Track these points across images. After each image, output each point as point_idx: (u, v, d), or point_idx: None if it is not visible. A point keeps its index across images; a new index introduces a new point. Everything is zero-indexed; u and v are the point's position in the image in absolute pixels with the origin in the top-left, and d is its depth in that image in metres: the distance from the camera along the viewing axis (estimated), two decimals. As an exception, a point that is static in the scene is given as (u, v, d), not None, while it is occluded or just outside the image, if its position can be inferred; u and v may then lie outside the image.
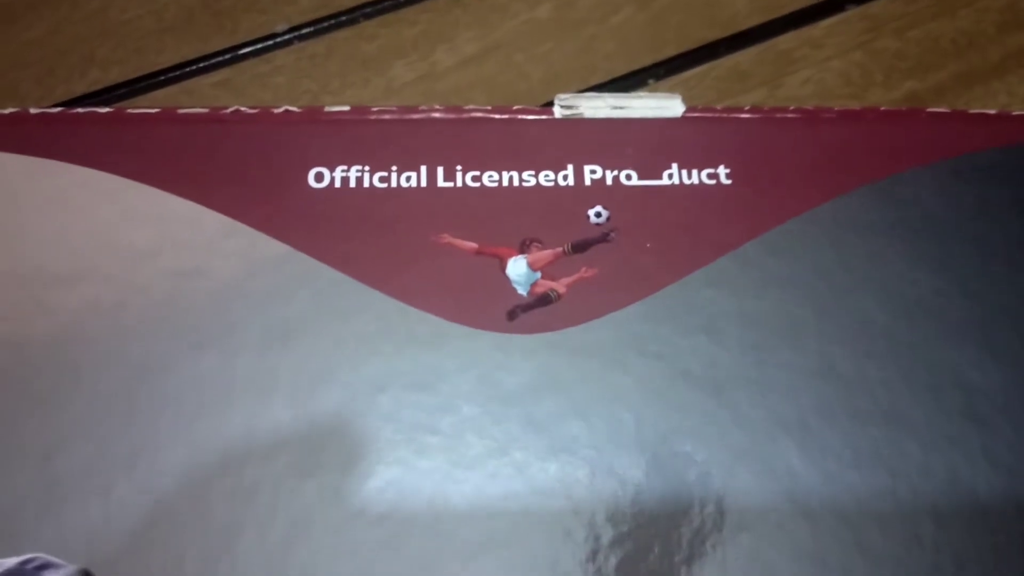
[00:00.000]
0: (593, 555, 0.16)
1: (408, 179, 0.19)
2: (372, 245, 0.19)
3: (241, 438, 0.17)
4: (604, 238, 0.19)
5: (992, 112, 0.21)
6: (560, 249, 0.19)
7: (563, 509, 0.17)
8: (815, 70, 0.28)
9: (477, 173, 0.20)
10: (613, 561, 0.16)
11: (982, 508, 0.17)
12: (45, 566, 0.16)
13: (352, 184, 0.19)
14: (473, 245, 0.19)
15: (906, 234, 0.19)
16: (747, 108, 0.21)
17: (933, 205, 0.20)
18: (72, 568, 0.16)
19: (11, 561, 0.16)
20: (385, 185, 0.19)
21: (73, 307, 0.18)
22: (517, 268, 0.19)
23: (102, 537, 0.16)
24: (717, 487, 0.17)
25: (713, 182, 0.20)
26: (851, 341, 0.18)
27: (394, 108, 0.21)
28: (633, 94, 0.21)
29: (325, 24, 0.29)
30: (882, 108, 0.22)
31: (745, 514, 0.17)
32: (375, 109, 0.21)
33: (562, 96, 0.21)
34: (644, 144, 0.20)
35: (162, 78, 0.27)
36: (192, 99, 0.27)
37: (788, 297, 0.19)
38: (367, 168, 0.19)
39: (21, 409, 0.17)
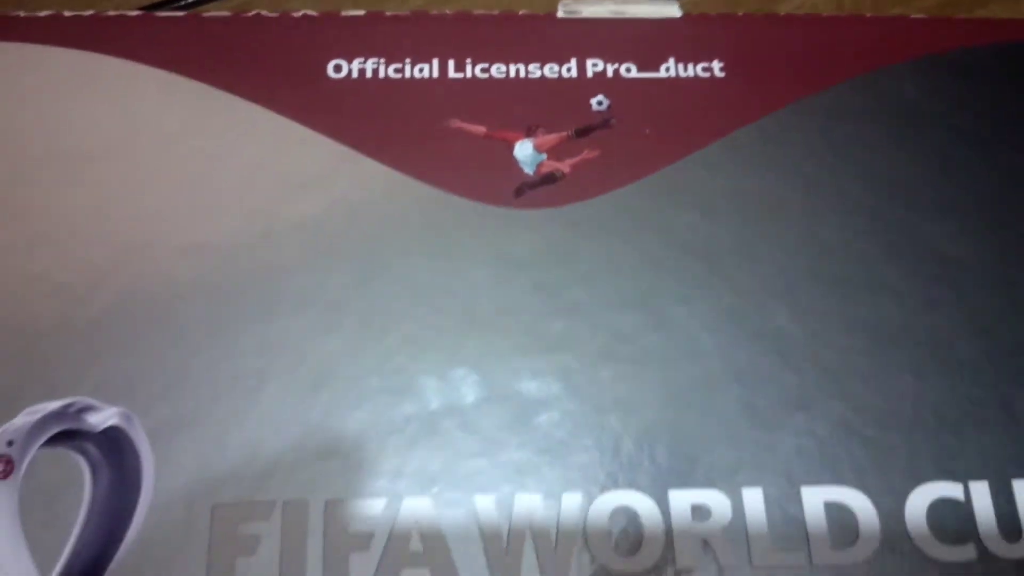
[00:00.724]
0: (597, 402, 0.18)
1: (421, 70, 0.21)
2: (388, 129, 0.20)
3: (268, 294, 0.18)
4: (605, 124, 0.20)
5: (969, 18, 0.23)
6: (564, 133, 0.20)
7: (567, 360, 0.18)
8: (807, -4, 0.29)
9: (486, 65, 0.21)
10: (614, 405, 0.18)
11: (959, 363, 0.18)
12: (86, 408, 0.18)
13: (368, 75, 0.21)
14: (482, 129, 0.20)
15: (889, 122, 0.21)
16: (741, 13, 0.22)
17: (915, 96, 0.21)
18: (112, 409, 0.17)
19: (55, 404, 0.18)
20: (400, 76, 0.21)
21: (107, 181, 0.19)
22: (524, 149, 0.20)
23: (139, 383, 0.17)
24: (710, 342, 0.18)
25: (707, 75, 0.21)
26: (836, 217, 0.20)
27: (407, 12, 0.22)
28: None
29: (337, -46, 0.30)
30: (868, 15, 0.23)
31: (737, 366, 0.18)
32: (389, 13, 0.22)
33: (565, 1, 0.22)
34: (643, 40, 0.21)
35: (182, 3, 0.29)
36: (210, 24, 0.28)
37: (777, 177, 0.20)
38: (383, 60, 0.21)
39: (64, 268, 0.18)
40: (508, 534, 0.17)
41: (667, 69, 0.21)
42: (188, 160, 0.19)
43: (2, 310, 0.18)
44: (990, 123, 0.21)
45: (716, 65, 0.21)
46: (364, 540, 0.16)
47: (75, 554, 0.17)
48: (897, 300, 0.19)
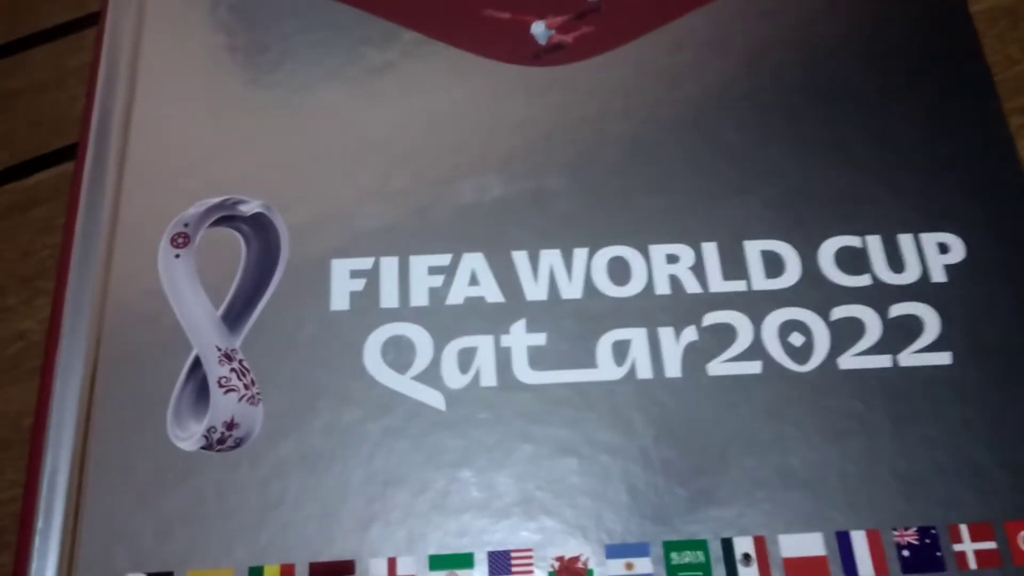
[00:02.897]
0: (595, 191, 0.25)
1: (463, -22, 0.28)
2: (442, 16, 0.27)
3: (357, 137, 0.26)
4: (597, 9, 0.28)
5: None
6: (568, 16, 0.27)
7: (573, 161, 0.25)
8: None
9: (509, -27, 0.28)
10: (608, 194, 0.25)
11: (859, 158, 0.25)
12: (239, 201, 0.25)
13: (424, -18, 0.28)
14: (508, 15, 0.27)
15: (781, 16, 0.28)
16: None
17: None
18: (257, 201, 0.25)
19: (217, 199, 0.25)
20: (448, -18, 0.28)
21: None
22: (538, 28, 0.27)
23: (277, 190, 0.25)
24: (675, 149, 0.25)
25: (671, -25, 0.28)
26: (767, 68, 0.27)
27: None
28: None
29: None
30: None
31: (696, 164, 0.25)
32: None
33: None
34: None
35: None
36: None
37: (717, 43, 0.27)
38: (435, -28, 0.28)
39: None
40: (536, 274, 0.24)
41: (641, -29, 0.28)
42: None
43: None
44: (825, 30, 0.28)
45: (678, -32, 0.28)
46: (437, 277, 0.24)
47: (235, 297, 0.24)
48: (804, 121, 0.26)
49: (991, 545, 0.21)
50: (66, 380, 0.23)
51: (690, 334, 0.23)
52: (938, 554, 0.21)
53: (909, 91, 0.26)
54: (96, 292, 0.24)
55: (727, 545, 0.21)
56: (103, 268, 0.24)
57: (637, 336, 0.23)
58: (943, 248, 0.25)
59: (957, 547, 0.21)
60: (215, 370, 0.23)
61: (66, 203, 0.27)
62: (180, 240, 0.24)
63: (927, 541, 0.21)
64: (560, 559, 0.21)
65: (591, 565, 0.21)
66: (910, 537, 0.21)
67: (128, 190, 0.25)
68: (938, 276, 0.24)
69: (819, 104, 0.26)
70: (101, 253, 0.24)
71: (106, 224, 0.25)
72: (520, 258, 0.24)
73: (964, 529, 0.21)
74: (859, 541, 0.21)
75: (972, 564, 0.21)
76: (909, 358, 0.23)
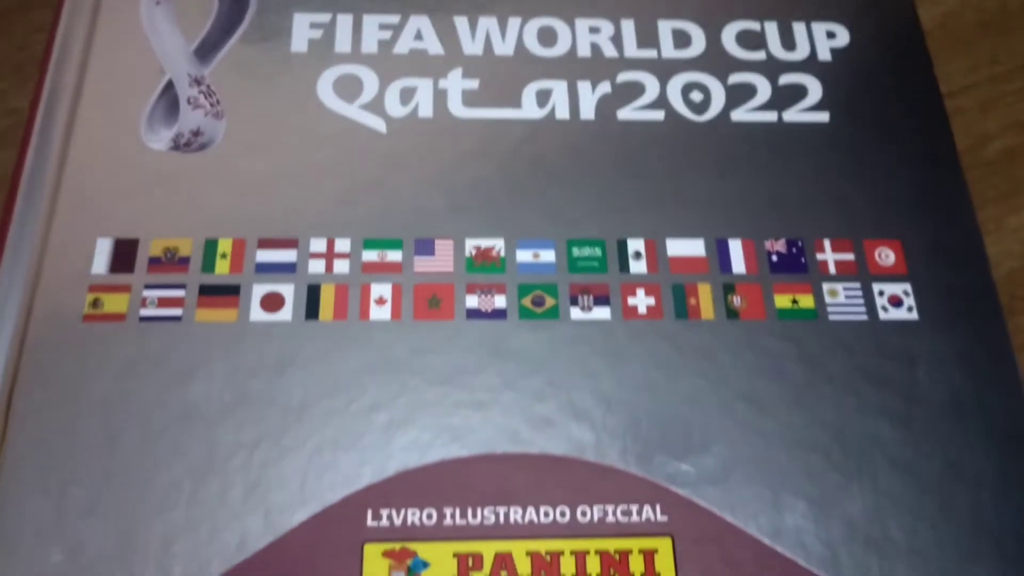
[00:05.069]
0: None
1: None
2: None
3: None
4: None
5: None
6: None
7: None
8: None
9: None
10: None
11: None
12: (215, -36, 0.28)
13: None
14: None
15: None
16: None
17: None
18: (231, -36, 0.28)
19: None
20: None
21: None
22: None
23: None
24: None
25: None
26: None
27: None
28: None
29: None
30: None
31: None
32: None
33: None
34: None
35: None
36: None
37: None
38: None
39: None
40: (474, 36, 0.27)
41: None
42: None
43: None
44: None
45: None
46: (386, 32, 0.27)
47: (207, 36, 0.27)
48: None
49: (849, 256, 0.25)
50: (50, 106, 0.26)
51: (604, 87, 0.27)
52: (802, 260, 0.25)
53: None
54: (83, 35, 0.27)
55: (622, 245, 0.24)
56: (89, 21, 0.27)
57: (558, 87, 0.27)
58: (830, 35, 0.28)
59: (820, 256, 0.25)
60: (185, 91, 0.26)
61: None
62: (160, -9, 0.27)
63: (794, 250, 0.25)
64: (478, 248, 0.24)
65: (503, 255, 0.24)
66: (779, 246, 0.25)
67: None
68: (824, 56, 0.28)
69: None
70: (87, 14, 0.27)
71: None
72: (461, 22, 0.28)
73: (827, 243, 0.25)
74: (735, 247, 0.25)
75: (832, 270, 0.24)
76: (793, 115, 0.27)
